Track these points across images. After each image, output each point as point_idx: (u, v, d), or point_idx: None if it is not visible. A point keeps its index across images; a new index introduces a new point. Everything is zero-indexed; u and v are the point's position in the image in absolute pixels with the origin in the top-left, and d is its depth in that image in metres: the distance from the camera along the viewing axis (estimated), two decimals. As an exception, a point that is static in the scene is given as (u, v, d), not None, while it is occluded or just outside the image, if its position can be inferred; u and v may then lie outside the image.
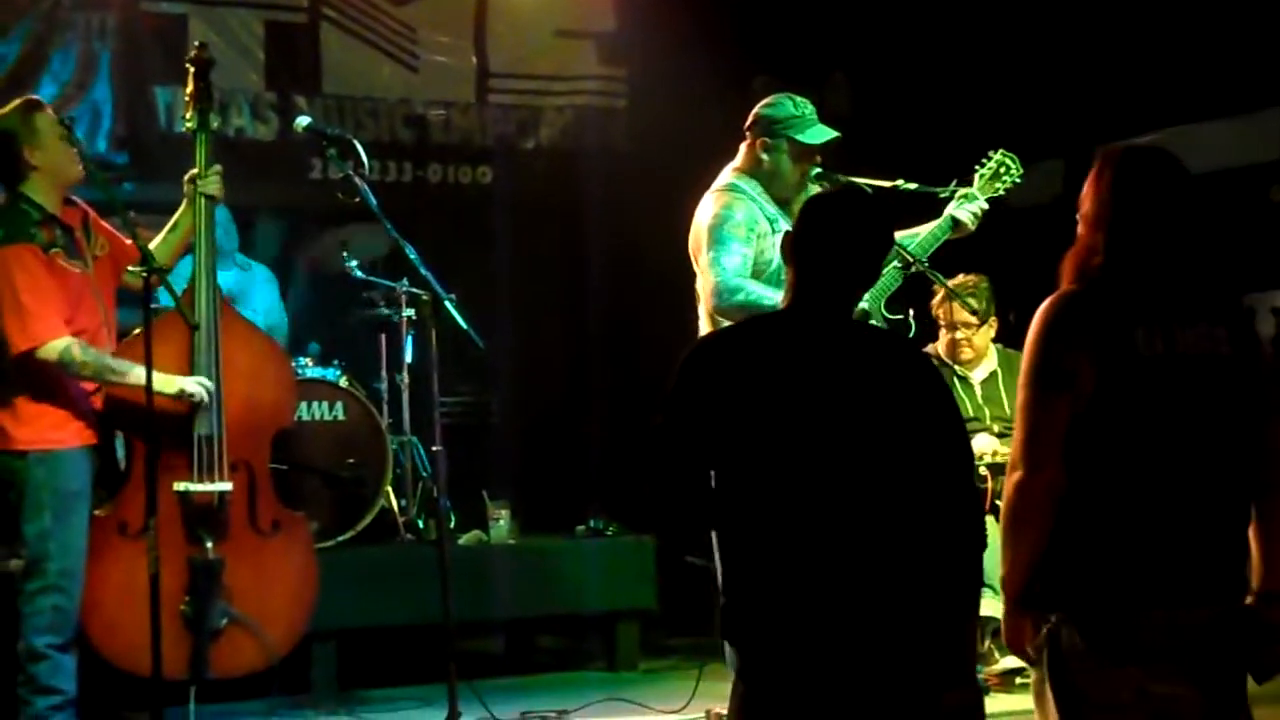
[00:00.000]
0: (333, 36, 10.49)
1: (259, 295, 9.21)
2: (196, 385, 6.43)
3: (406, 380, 8.91)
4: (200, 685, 6.36)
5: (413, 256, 6.39)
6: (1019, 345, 8.43)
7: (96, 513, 6.44)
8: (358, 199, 6.55)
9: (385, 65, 10.64)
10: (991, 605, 7.53)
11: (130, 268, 6.33)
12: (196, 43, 7.22)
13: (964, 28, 10.37)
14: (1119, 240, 4.18)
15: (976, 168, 6.87)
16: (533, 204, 10.79)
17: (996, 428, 8.06)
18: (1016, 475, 4.19)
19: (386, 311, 8.94)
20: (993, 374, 8.27)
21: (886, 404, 4.30)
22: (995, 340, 8.36)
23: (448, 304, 6.36)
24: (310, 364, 8.65)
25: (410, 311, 8.73)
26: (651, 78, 11.01)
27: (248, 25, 10.26)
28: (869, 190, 6.43)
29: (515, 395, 10.59)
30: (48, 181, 6.38)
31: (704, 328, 6.34)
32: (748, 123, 6.66)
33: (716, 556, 4.40)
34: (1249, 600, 4.14)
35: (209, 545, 6.43)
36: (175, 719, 6.29)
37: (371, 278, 8.92)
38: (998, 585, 7.55)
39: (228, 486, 6.52)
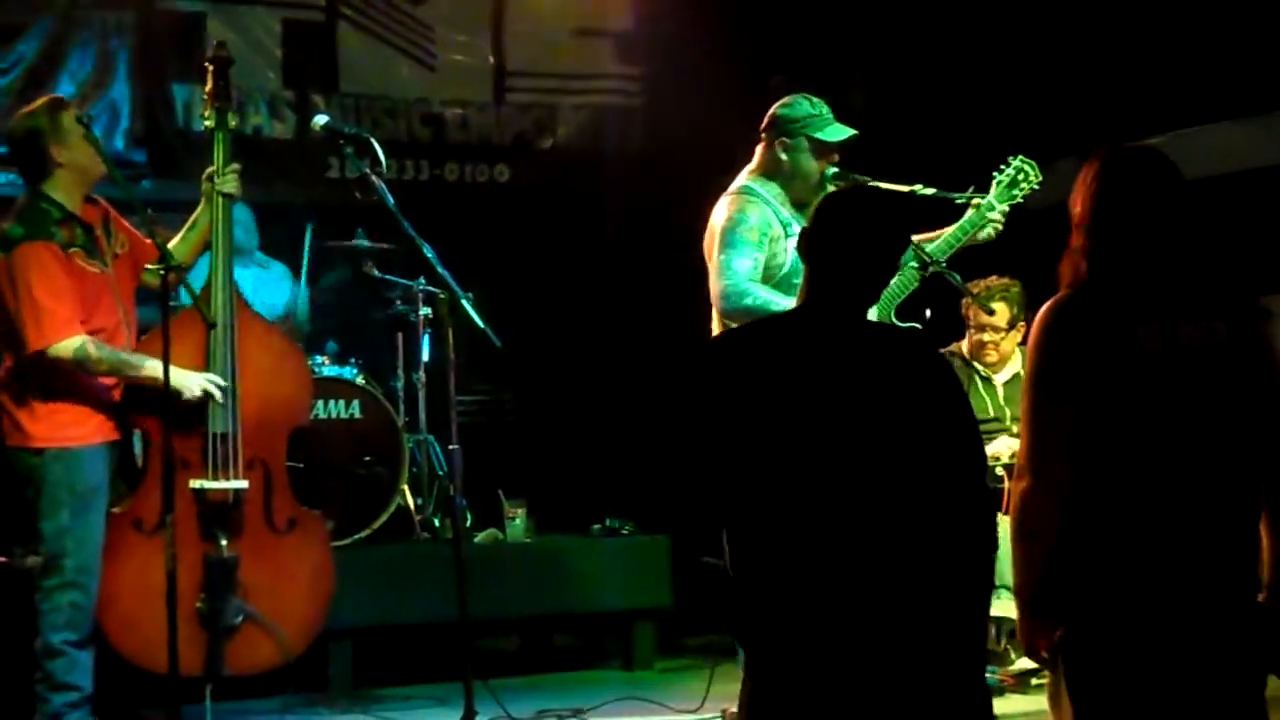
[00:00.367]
0: (350, 35, 10.50)
1: (278, 291, 9.23)
2: (209, 384, 6.44)
3: (423, 379, 8.91)
4: (216, 683, 6.37)
5: (430, 255, 6.40)
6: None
7: (113, 510, 6.44)
8: (375, 197, 6.56)
9: (403, 64, 10.65)
10: (1008, 606, 7.56)
11: (148, 266, 6.33)
12: (215, 42, 7.23)
13: (980, 27, 10.35)
14: (1110, 240, 4.18)
15: (994, 174, 6.84)
16: (550, 202, 10.80)
17: (1015, 429, 8.05)
18: (1024, 483, 4.18)
19: (403, 310, 8.95)
20: (1016, 375, 8.25)
21: (898, 403, 4.29)
22: (1022, 343, 8.34)
23: (465, 303, 6.37)
24: (327, 362, 8.66)
25: (427, 310, 8.74)
26: (669, 77, 11.01)
27: (265, 24, 10.28)
28: (884, 189, 6.43)
29: (532, 394, 10.60)
30: (71, 179, 6.39)
31: (716, 329, 6.34)
32: (764, 124, 6.66)
33: (726, 553, 4.40)
34: (1261, 596, 4.13)
35: (224, 543, 6.43)
36: (191, 717, 6.29)
37: (389, 276, 8.92)
38: (1014, 586, 7.58)
39: (244, 484, 6.53)
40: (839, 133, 6.57)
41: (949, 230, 6.68)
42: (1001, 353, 8.22)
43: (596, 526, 8.77)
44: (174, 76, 9.99)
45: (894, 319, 6.56)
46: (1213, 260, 4.24)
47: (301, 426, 6.91)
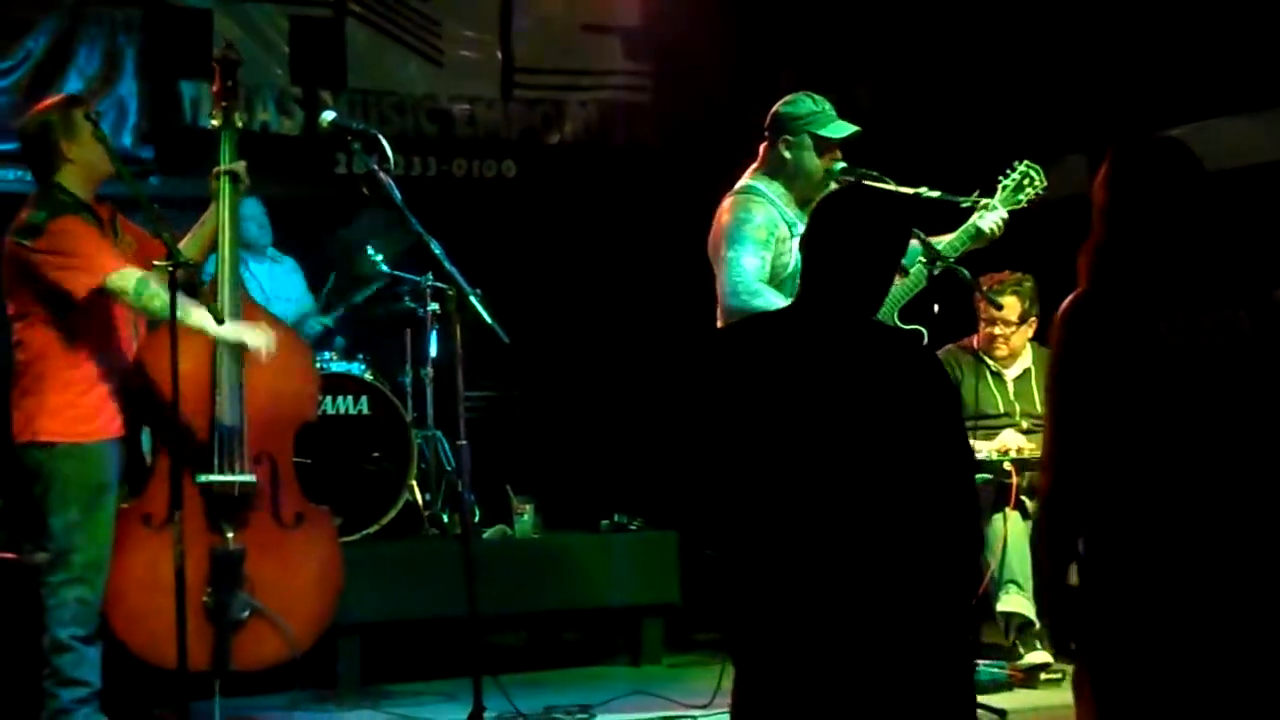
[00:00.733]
0: (358, 31, 10.52)
1: (290, 285, 9.26)
2: (261, 338, 6.43)
3: (431, 374, 8.93)
4: (224, 678, 6.36)
5: (437, 251, 6.39)
6: (1038, 338, 8.45)
7: (121, 505, 6.45)
8: (383, 193, 6.55)
9: (410, 60, 10.66)
10: (1018, 602, 7.57)
11: (156, 262, 6.33)
12: (225, 42, 7.23)
13: (987, 23, 10.35)
14: (1131, 232, 4.16)
15: (1000, 178, 6.87)
16: (557, 198, 10.80)
17: (1025, 424, 8.04)
18: (1048, 479, 4.16)
19: (411, 306, 8.95)
20: (1026, 371, 8.24)
21: (886, 403, 4.29)
22: (1032, 338, 8.33)
23: (473, 298, 6.36)
24: (335, 358, 8.66)
25: (435, 306, 8.75)
26: (676, 73, 11.02)
27: (273, 20, 10.30)
28: (885, 189, 6.43)
29: (540, 389, 10.60)
30: (80, 174, 6.42)
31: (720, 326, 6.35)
32: (766, 123, 6.68)
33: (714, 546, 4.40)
34: None
35: (229, 536, 6.43)
36: (200, 713, 6.29)
37: (397, 272, 8.92)
38: (1022, 581, 7.61)
39: (251, 478, 6.53)
40: (842, 129, 6.58)
41: (953, 235, 6.71)
42: (1012, 347, 8.21)
43: (605, 522, 8.76)
44: (181, 73, 10.00)
45: (897, 320, 6.57)
46: (1232, 251, 4.22)
47: (309, 422, 6.90)
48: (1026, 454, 7.73)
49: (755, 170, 6.68)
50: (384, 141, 6.55)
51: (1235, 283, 4.15)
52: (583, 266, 10.65)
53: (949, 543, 4.31)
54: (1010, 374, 8.25)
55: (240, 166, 6.72)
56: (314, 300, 9.45)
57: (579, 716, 7.10)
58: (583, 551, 8.58)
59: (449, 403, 7.38)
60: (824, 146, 6.56)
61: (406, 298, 8.98)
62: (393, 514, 8.38)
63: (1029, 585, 7.58)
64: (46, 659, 6.30)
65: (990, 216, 6.76)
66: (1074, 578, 4.19)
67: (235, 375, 6.54)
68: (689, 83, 11.00)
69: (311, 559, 6.73)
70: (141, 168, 9.47)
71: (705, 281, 6.69)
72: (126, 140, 9.71)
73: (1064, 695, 7.10)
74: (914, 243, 6.50)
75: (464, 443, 6.54)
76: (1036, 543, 4.32)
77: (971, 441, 7.48)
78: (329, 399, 8.31)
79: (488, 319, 6.32)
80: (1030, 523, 7.78)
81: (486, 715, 6.10)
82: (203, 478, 6.45)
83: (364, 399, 8.47)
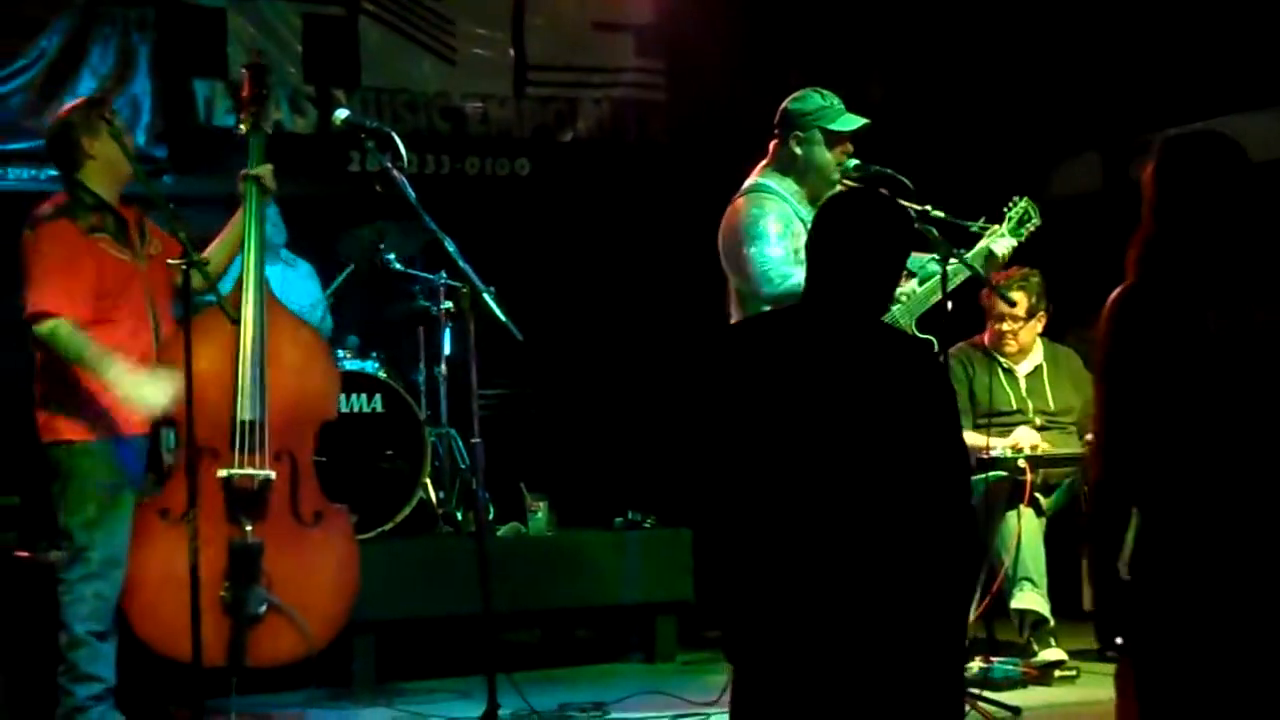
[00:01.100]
0: (371, 29, 10.53)
1: (303, 289, 9.24)
2: (159, 395, 6.32)
3: (445, 372, 8.93)
4: (239, 675, 6.37)
5: (451, 249, 6.40)
6: (1058, 337, 8.46)
7: (141, 500, 6.49)
8: (396, 191, 6.56)
9: (423, 58, 10.67)
10: (1032, 599, 7.57)
11: (170, 260, 6.36)
12: (254, 49, 7.25)
13: (1000, 20, 10.34)
14: (1179, 226, 4.15)
15: (1005, 209, 7.05)
16: (570, 196, 10.81)
17: (1039, 421, 8.05)
18: (1096, 472, 4.15)
19: (425, 304, 8.95)
20: (1038, 367, 8.25)
21: (883, 404, 4.29)
22: (1042, 334, 8.33)
23: (486, 296, 6.37)
24: (349, 356, 8.67)
25: (449, 304, 8.75)
26: (689, 70, 11.03)
27: (286, 18, 10.30)
28: (890, 194, 6.45)
29: (553, 387, 10.60)
30: (102, 172, 6.49)
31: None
32: (775, 119, 6.68)
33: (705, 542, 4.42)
34: None
35: (249, 528, 6.43)
36: (216, 710, 6.31)
37: (410, 270, 8.93)
38: (1036, 578, 7.61)
39: (271, 474, 6.54)
40: (851, 123, 6.60)
41: (970, 252, 6.78)
42: (1021, 343, 8.21)
43: (618, 520, 8.76)
44: (195, 72, 10.02)
45: (914, 327, 6.59)
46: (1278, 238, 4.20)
47: (330, 420, 6.90)
48: (1040, 451, 7.73)
49: (765, 167, 6.69)
50: (397, 139, 6.56)
51: None
52: (596, 264, 10.65)
53: (944, 544, 4.30)
54: (1022, 370, 8.25)
55: (266, 171, 6.74)
56: (327, 307, 9.43)
57: (593, 714, 7.10)
58: (596, 549, 8.58)
59: (463, 400, 7.39)
60: (834, 141, 6.58)
61: (420, 296, 8.98)
62: (407, 512, 8.38)
63: (1043, 582, 7.58)
64: (62, 655, 6.34)
65: (1003, 242, 6.93)
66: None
67: (258, 372, 6.55)
68: (701, 80, 11.00)
69: (330, 557, 6.73)
70: (155, 166, 9.49)
71: (717, 279, 6.70)
72: (140, 139, 9.70)
73: (1078, 692, 7.15)
74: (924, 255, 6.56)
75: (478, 440, 6.55)
76: (1087, 531, 4.26)
77: (986, 439, 7.53)
78: (343, 397, 8.29)
79: (501, 317, 6.33)
80: (1044, 520, 7.79)
81: (501, 713, 6.12)
82: (223, 471, 6.46)
83: (378, 397, 8.47)
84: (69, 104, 6.78)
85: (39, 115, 9.48)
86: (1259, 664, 4.00)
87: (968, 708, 6.03)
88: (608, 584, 8.46)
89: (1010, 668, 7.32)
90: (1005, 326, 8.15)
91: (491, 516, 8.52)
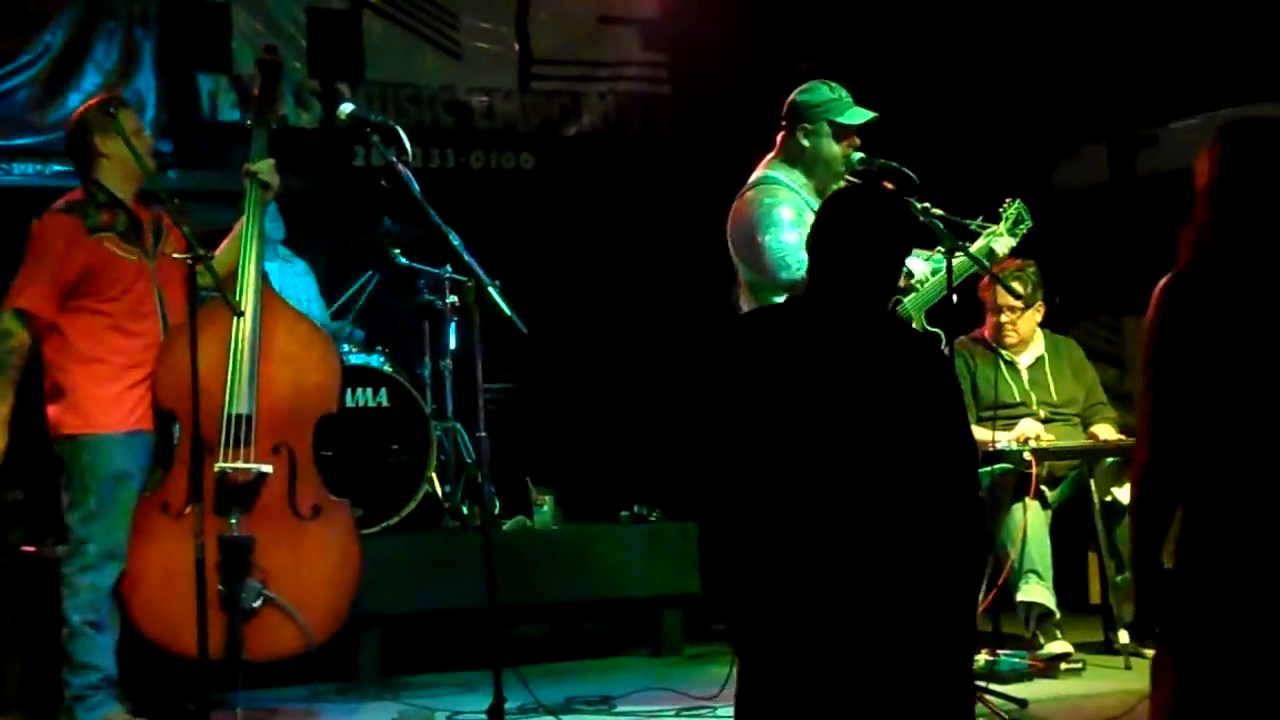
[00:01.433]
0: (374, 23, 10.52)
1: (300, 286, 9.24)
2: None
3: (450, 366, 8.92)
4: (238, 667, 6.36)
5: (456, 243, 6.39)
6: (1063, 329, 8.46)
7: (143, 494, 6.50)
8: (401, 186, 6.55)
9: (427, 52, 10.66)
10: (1038, 591, 7.58)
11: (175, 254, 6.37)
12: (265, 45, 7.25)
13: (1007, 12, 10.33)
14: (1233, 211, 4.13)
15: (1001, 209, 7.12)
16: (575, 190, 10.80)
17: (1043, 413, 8.05)
18: (1141, 459, 4.12)
19: (430, 298, 8.95)
20: (1040, 359, 8.26)
21: (889, 396, 4.30)
22: (1042, 325, 8.34)
23: (491, 290, 6.36)
24: (354, 350, 8.67)
25: (453, 298, 8.75)
26: (694, 63, 11.03)
27: (290, 12, 10.29)
28: (893, 189, 6.46)
29: (558, 381, 10.60)
30: (116, 170, 6.56)
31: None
32: (783, 112, 6.69)
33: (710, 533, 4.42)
34: None
35: (233, 522, 6.41)
36: (223, 705, 6.32)
37: (415, 264, 8.92)
38: (1042, 571, 7.61)
39: (268, 468, 6.53)
40: (859, 115, 6.61)
41: (973, 247, 6.82)
42: (1022, 333, 8.22)
43: (624, 513, 8.76)
44: (199, 66, 10.01)
45: (924, 319, 6.60)
46: None
47: (330, 414, 6.89)
48: (1045, 443, 7.73)
49: (772, 160, 6.70)
50: (402, 133, 6.55)
51: None
52: (601, 258, 10.65)
53: (951, 536, 4.31)
54: (1024, 362, 8.26)
55: (266, 166, 6.74)
56: (323, 305, 9.44)
57: (600, 707, 7.10)
58: (602, 542, 8.58)
59: (468, 394, 7.36)
60: (842, 133, 6.59)
61: (425, 290, 8.98)
62: (412, 506, 8.38)
63: (1049, 575, 7.59)
64: (62, 648, 6.41)
65: (1003, 241, 7.02)
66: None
67: (251, 366, 6.54)
68: (705, 74, 11.01)
69: (328, 551, 6.71)
70: (160, 161, 9.45)
71: (722, 272, 6.70)
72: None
73: (1084, 685, 7.16)
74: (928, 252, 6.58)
75: (483, 434, 6.54)
76: (1131, 520, 4.22)
77: (991, 432, 7.53)
78: (348, 391, 8.32)
79: (506, 310, 6.32)
80: (1049, 512, 7.79)
81: (507, 706, 6.11)
82: (219, 465, 6.46)
83: (383, 391, 8.48)
84: (86, 102, 6.79)
85: (44, 110, 9.51)
86: None
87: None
88: (614, 577, 8.46)
89: (1016, 660, 7.32)
90: (1005, 318, 8.17)
91: (497, 510, 8.53)
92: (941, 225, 6.49)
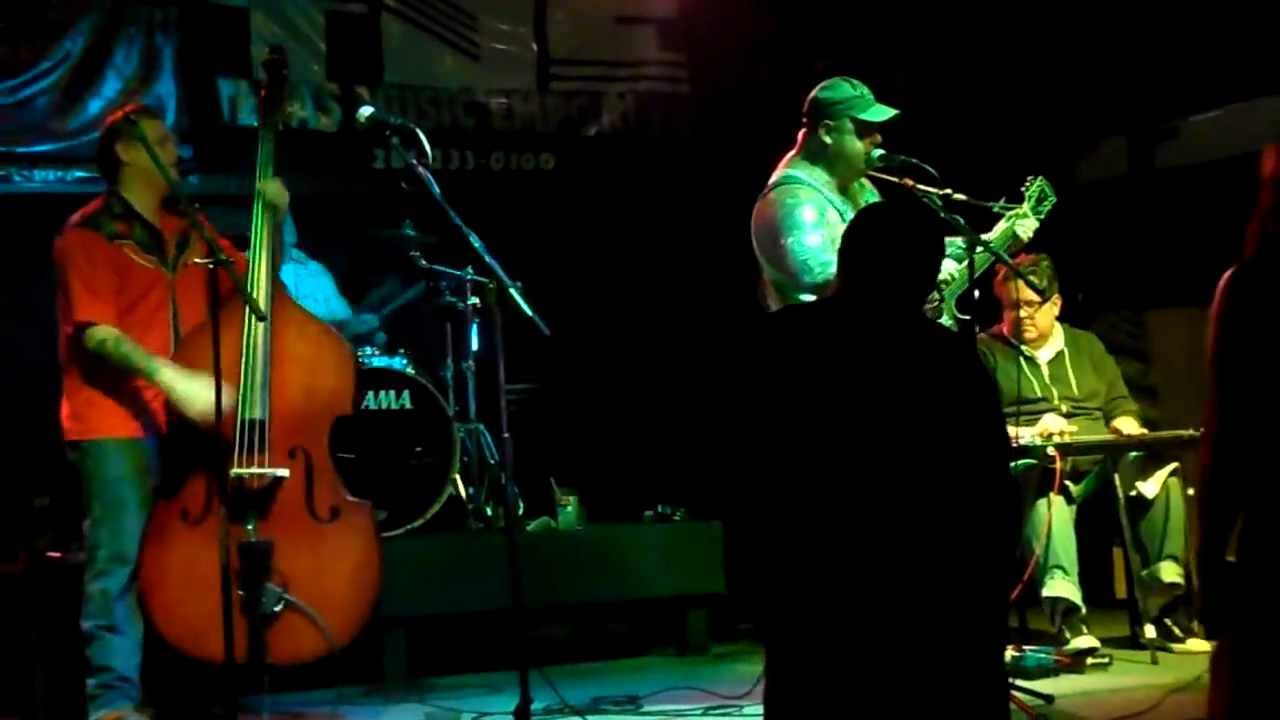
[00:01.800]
0: (393, 26, 10.53)
1: (316, 286, 9.27)
2: (201, 406, 6.34)
3: (472, 368, 8.93)
4: (263, 672, 6.37)
5: (477, 245, 6.40)
6: (1085, 323, 8.44)
7: (160, 501, 6.53)
8: (421, 188, 6.56)
9: (446, 54, 10.67)
10: (1063, 587, 7.56)
11: (196, 260, 6.39)
12: (269, 46, 7.27)
13: (1025, 6, 10.32)
14: None
15: (1023, 188, 7.09)
16: (595, 190, 10.81)
17: (1065, 407, 8.04)
18: (1208, 450, 4.08)
19: (452, 300, 8.96)
20: (1059, 353, 8.25)
21: (924, 394, 4.30)
22: (1060, 319, 8.33)
23: (513, 291, 6.36)
24: (376, 353, 8.69)
25: (475, 300, 8.75)
26: (712, 63, 11.03)
27: (309, 16, 10.31)
28: (920, 196, 6.46)
29: (581, 381, 10.61)
30: (139, 180, 6.61)
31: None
32: (805, 109, 6.69)
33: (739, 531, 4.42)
34: None
35: (250, 527, 6.40)
36: (250, 708, 6.33)
37: (436, 266, 8.93)
38: (1067, 566, 7.60)
39: (284, 472, 6.54)
40: (882, 113, 6.61)
41: (994, 235, 6.80)
42: (1040, 327, 8.21)
43: (648, 513, 8.76)
44: (219, 71, 10.03)
45: (954, 308, 6.61)
46: None
47: (345, 415, 6.88)
48: (1068, 438, 7.71)
49: (793, 157, 6.70)
50: (421, 136, 6.56)
51: None
52: (622, 257, 10.66)
53: (986, 533, 4.30)
54: (1044, 357, 8.25)
55: (273, 187, 6.72)
56: (345, 302, 9.48)
57: (626, 707, 7.09)
58: (627, 542, 8.58)
59: (491, 396, 7.37)
60: (865, 130, 6.60)
61: (447, 292, 8.99)
62: (436, 508, 8.39)
63: (1074, 570, 7.58)
64: (80, 653, 6.48)
65: (1026, 224, 6.99)
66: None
67: (264, 371, 6.55)
68: (723, 72, 11.00)
69: (348, 554, 6.70)
70: (181, 167, 9.48)
71: (743, 272, 6.70)
72: (165, 139, 9.74)
73: (1111, 680, 7.15)
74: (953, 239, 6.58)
75: (506, 435, 6.54)
76: (1197, 515, 4.18)
77: (1014, 428, 7.52)
78: (371, 394, 8.35)
79: (528, 311, 6.32)
80: (1074, 507, 7.78)
81: (534, 707, 6.11)
82: (234, 471, 6.48)
83: (406, 394, 8.49)
84: (106, 108, 6.82)
85: (64, 117, 9.54)
86: None
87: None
88: (639, 577, 8.45)
89: (1042, 656, 7.30)
90: (1023, 313, 8.16)
91: (521, 511, 8.52)
92: (962, 220, 6.48)
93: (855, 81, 6.67)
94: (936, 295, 6.59)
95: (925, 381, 4.32)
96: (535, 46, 10.93)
